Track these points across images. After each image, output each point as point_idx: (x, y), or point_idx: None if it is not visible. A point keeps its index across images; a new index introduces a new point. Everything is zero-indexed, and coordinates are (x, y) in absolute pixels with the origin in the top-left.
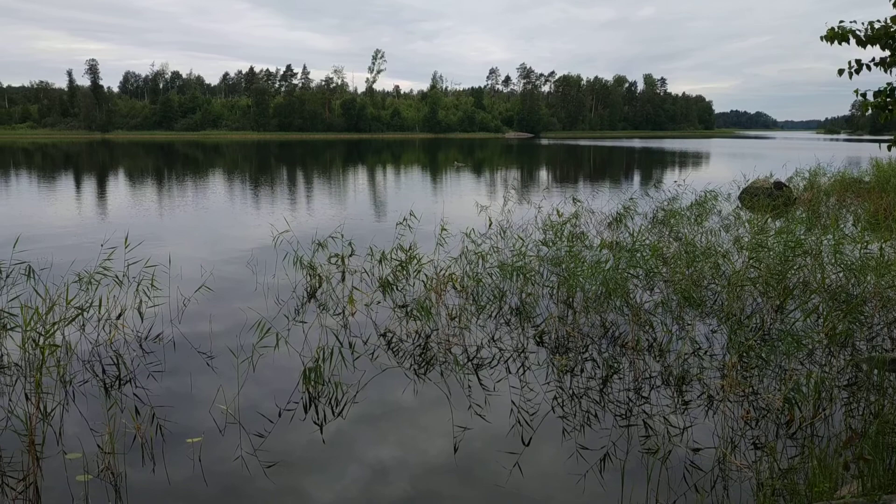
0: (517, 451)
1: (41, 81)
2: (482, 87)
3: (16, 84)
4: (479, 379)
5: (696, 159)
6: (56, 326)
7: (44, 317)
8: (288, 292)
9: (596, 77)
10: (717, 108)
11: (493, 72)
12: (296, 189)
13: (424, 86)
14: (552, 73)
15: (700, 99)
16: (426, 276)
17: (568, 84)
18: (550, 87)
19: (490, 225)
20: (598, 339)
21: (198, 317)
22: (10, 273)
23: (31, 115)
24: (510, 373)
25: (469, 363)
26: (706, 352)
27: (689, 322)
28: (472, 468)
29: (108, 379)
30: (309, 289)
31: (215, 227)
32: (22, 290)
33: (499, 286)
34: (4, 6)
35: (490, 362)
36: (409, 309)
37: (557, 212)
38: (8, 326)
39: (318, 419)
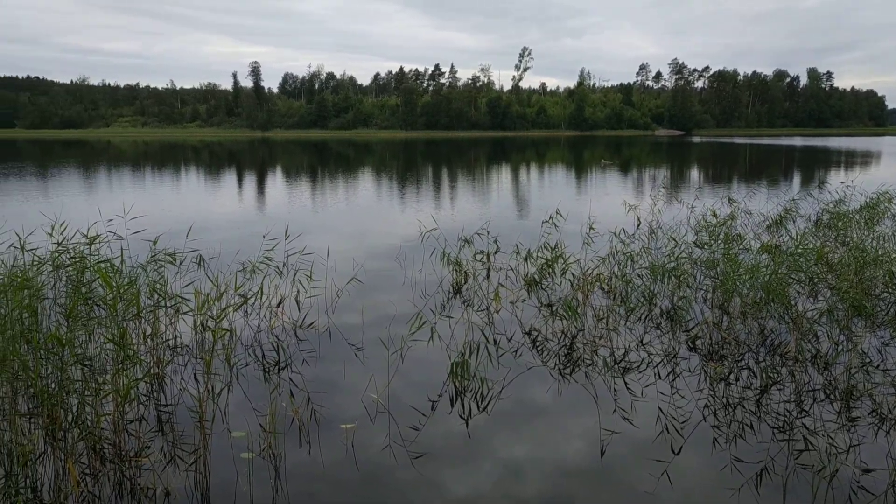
0: (665, 459)
1: (209, 83)
2: (631, 83)
3: (187, 86)
4: (625, 383)
5: (865, 159)
6: (225, 312)
7: (214, 302)
8: (434, 287)
9: (754, 72)
10: (891, 104)
11: (642, 68)
12: (441, 186)
13: (571, 83)
14: (706, 69)
15: (871, 94)
16: (573, 275)
17: (723, 79)
18: (704, 83)
19: (639, 225)
20: (755, 347)
21: (349, 308)
22: (183, 261)
23: (200, 114)
24: (659, 378)
25: (616, 366)
26: (878, 366)
27: (858, 333)
28: (617, 473)
29: (268, 363)
30: (455, 284)
31: (365, 223)
32: (194, 278)
33: (649, 288)
34: (179, 15)
35: (638, 366)
36: (554, 308)
37: (713, 212)
38: (181, 310)
39: (464, 413)
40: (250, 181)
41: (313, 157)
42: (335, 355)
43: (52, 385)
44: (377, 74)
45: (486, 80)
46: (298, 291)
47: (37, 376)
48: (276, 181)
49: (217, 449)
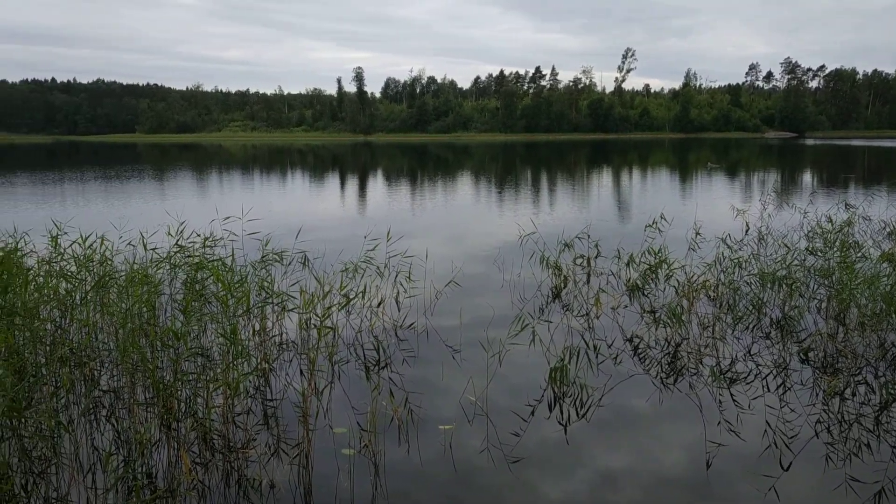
0: (774, 474)
1: (315, 89)
2: (740, 83)
3: (294, 91)
4: (731, 395)
5: None
6: (329, 311)
7: (319, 301)
8: (532, 291)
9: (874, 70)
10: None
11: (752, 67)
12: (540, 189)
13: (675, 84)
14: (821, 67)
15: None
16: (677, 281)
17: (840, 78)
18: (819, 83)
19: (747, 230)
20: (874, 361)
21: (447, 309)
22: (290, 261)
23: (306, 119)
24: (768, 391)
25: (722, 377)
26: None
27: None
28: (722, 487)
29: (369, 362)
30: (554, 289)
31: (464, 225)
32: (300, 277)
33: (758, 296)
34: (288, 23)
35: (745, 377)
36: (657, 315)
37: (829, 218)
38: (287, 308)
39: (563, 420)
40: (353, 184)
41: (413, 160)
42: (434, 356)
43: (168, 376)
44: (477, 78)
45: (587, 82)
46: (398, 292)
47: (154, 368)
48: (378, 184)
49: (319, 444)
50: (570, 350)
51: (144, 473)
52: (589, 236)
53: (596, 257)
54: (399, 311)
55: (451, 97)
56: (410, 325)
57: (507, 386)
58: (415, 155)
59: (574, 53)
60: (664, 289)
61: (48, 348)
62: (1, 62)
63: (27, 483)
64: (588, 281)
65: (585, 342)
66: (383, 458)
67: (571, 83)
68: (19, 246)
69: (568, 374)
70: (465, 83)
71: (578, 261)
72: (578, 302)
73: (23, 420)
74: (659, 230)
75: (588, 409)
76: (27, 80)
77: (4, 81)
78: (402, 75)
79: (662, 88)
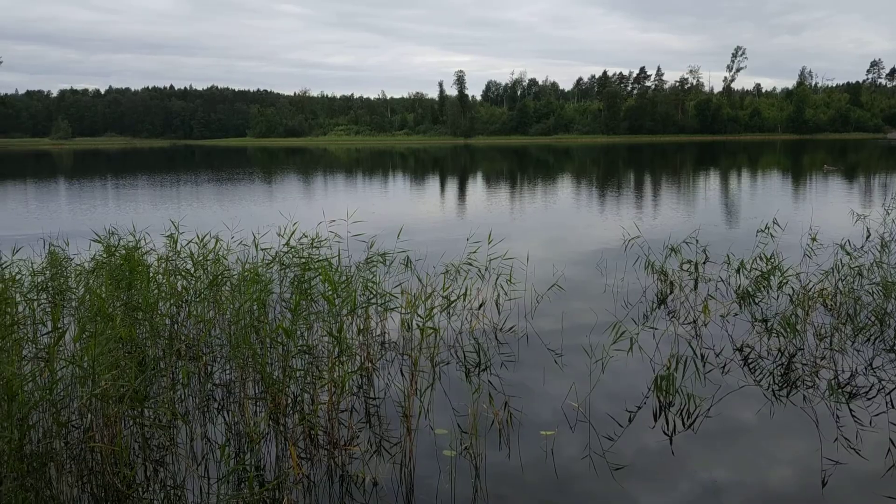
0: None
1: (416, 93)
2: (860, 81)
3: (397, 96)
4: (850, 410)
5: None
6: (431, 312)
7: (422, 302)
8: (637, 296)
9: None
10: None
11: (874, 64)
12: (644, 192)
13: (788, 83)
14: None
15: None
16: (791, 289)
17: None
18: None
19: (868, 236)
20: None
21: (549, 313)
22: (392, 262)
23: (408, 122)
24: (891, 407)
25: (840, 390)
26: None
27: None
28: None
29: (469, 364)
30: (659, 294)
31: (565, 229)
32: (402, 278)
33: (880, 306)
34: (391, 28)
35: (866, 392)
36: (770, 324)
37: None
38: (390, 308)
39: (668, 429)
40: (453, 186)
41: (513, 163)
42: (534, 360)
43: (277, 373)
44: (579, 79)
45: (694, 82)
46: (499, 295)
47: (264, 364)
48: (478, 186)
49: (420, 444)
50: (676, 358)
51: (253, 465)
52: (697, 241)
53: (704, 263)
54: (499, 313)
55: (552, 99)
56: (511, 329)
57: (609, 393)
58: (515, 157)
59: (680, 53)
60: (777, 297)
61: (166, 342)
62: (126, 71)
63: (146, 470)
64: (695, 287)
65: (693, 350)
66: (484, 460)
67: (677, 83)
68: (140, 244)
69: (674, 382)
70: (566, 85)
71: (685, 266)
72: (685, 309)
73: (143, 410)
74: (771, 235)
75: (695, 420)
76: (148, 87)
77: (128, 89)
78: (503, 78)
79: (774, 88)
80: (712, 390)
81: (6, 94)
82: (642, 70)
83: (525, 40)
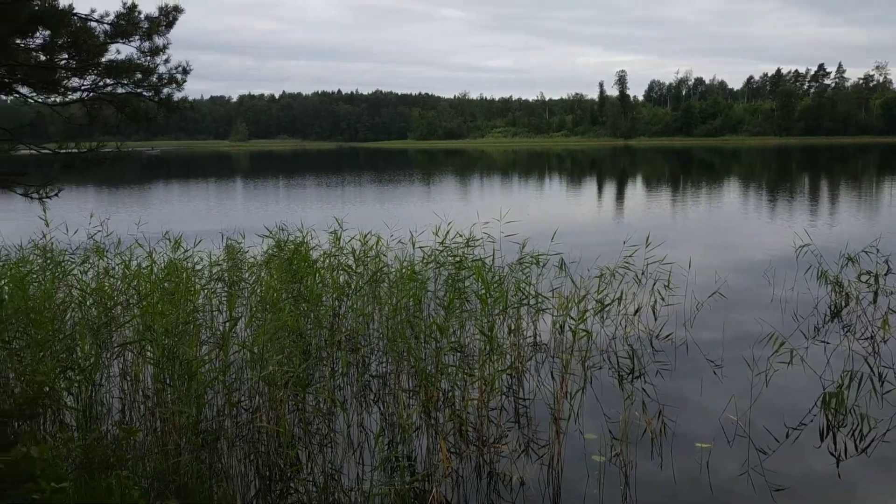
0: None
1: (576, 94)
2: None
3: (556, 97)
4: None
5: None
6: (584, 315)
7: (574, 305)
8: (808, 308)
9: None
10: None
11: None
12: (819, 197)
13: None
14: None
15: None
16: None
17: None
18: None
19: None
20: None
21: (709, 322)
22: (545, 263)
23: (566, 124)
24: None
25: None
26: None
27: None
28: None
29: (622, 370)
30: (832, 307)
31: (730, 235)
32: (555, 280)
33: None
34: (552, 29)
35: None
36: None
37: None
38: (542, 309)
39: (836, 451)
40: (610, 188)
41: (676, 165)
42: (691, 370)
43: (430, 367)
44: (750, 78)
45: (880, 79)
46: (656, 301)
47: (418, 358)
48: (637, 189)
49: (569, 447)
50: (849, 375)
51: (405, 456)
52: (878, 251)
53: (886, 274)
54: (656, 320)
55: (719, 99)
56: (667, 336)
57: (772, 408)
58: (677, 159)
59: (864, 48)
60: None
61: (328, 333)
62: (299, 77)
63: (309, 454)
64: (875, 300)
65: (869, 367)
66: (634, 468)
67: (861, 81)
68: (307, 240)
69: (845, 401)
70: (735, 84)
71: (864, 277)
72: (861, 323)
73: (305, 396)
74: None
75: (869, 444)
76: (318, 92)
77: (300, 94)
78: (668, 77)
79: None
80: (891, 412)
81: (193, 100)
82: (821, 67)
83: (692, 38)
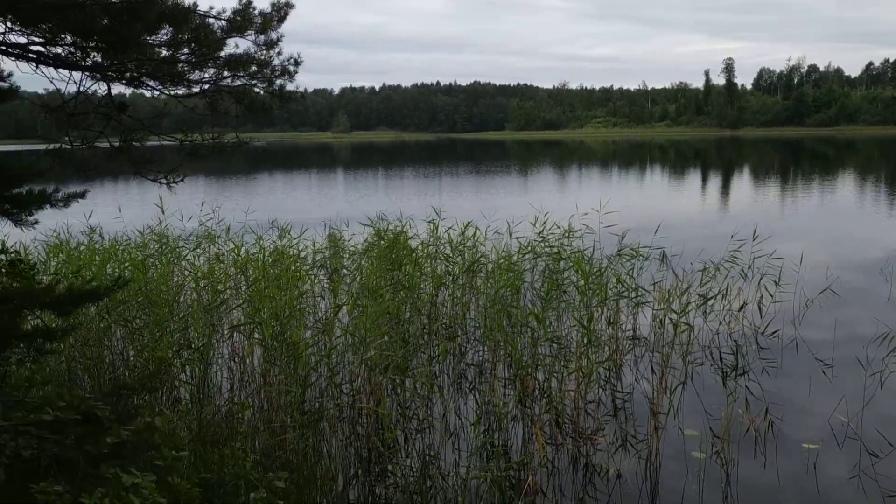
0: None
1: (680, 83)
2: None
3: (658, 87)
4: None
5: None
6: (686, 309)
7: (676, 298)
8: None
9: None
10: None
11: None
12: None
13: None
14: None
15: None
16: None
17: None
18: None
19: None
20: None
21: (819, 320)
22: (647, 256)
23: (668, 114)
24: None
25: None
26: None
27: None
28: None
29: (725, 367)
30: None
31: (844, 230)
32: (655, 273)
33: None
34: (655, 18)
35: None
36: None
37: None
38: (641, 302)
39: None
40: (715, 180)
41: (786, 156)
42: (799, 369)
43: (526, 357)
44: (869, 64)
45: None
46: (762, 297)
47: (515, 347)
48: (743, 181)
49: (668, 442)
50: None
51: (500, 444)
52: None
53: None
54: (762, 316)
55: (834, 86)
56: (774, 333)
57: (887, 411)
58: (787, 150)
59: None
60: None
61: (426, 320)
62: (399, 69)
63: (405, 437)
64: None
65: None
66: (736, 467)
67: None
68: (405, 230)
69: None
70: (853, 71)
71: None
72: None
73: (404, 380)
74: None
75: None
76: (417, 84)
77: (399, 86)
78: (778, 65)
79: None
80: None
81: (305, 91)
82: None
83: (805, 23)
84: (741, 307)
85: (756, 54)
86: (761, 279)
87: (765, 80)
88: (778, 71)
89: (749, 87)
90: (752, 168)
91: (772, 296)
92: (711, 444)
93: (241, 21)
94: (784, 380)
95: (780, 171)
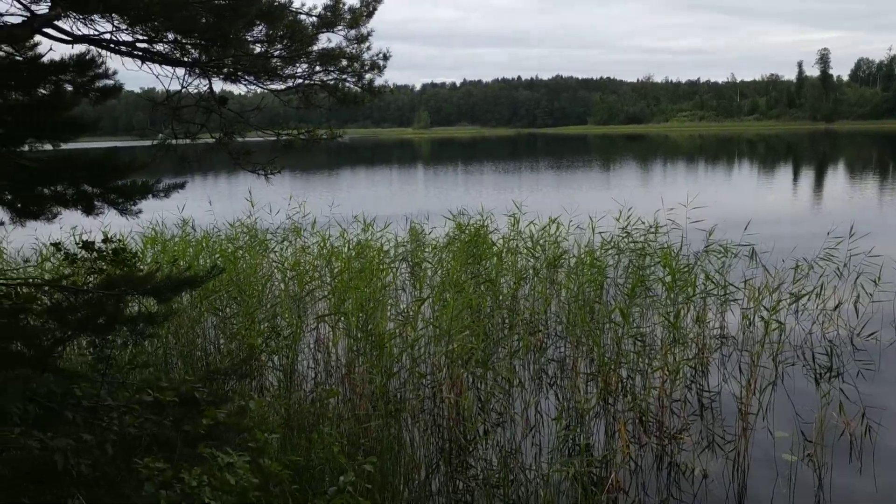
0: None
1: (771, 75)
2: None
3: (747, 79)
4: None
5: None
6: (777, 307)
7: (767, 296)
8: None
9: None
10: None
11: None
12: None
13: None
14: None
15: None
16: None
17: None
18: None
19: None
20: None
21: None
22: (737, 253)
23: (759, 107)
24: None
25: None
26: None
27: None
28: None
29: (819, 368)
30: None
31: None
32: (745, 270)
33: None
34: (742, 7)
35: None
36: None
37: None
38: (730, 299)
39: None
40: (809, 175)
41: (885, 151)
42: None
43: (609, 354)
44: None
45: None
46: (859, 296)
47: (598, 344)
48: (839, 176)
49: (756, 444)
50: None
51: (583, 441)
52: None
53: None
54: (858, 317)
55: None
56: (871, 335)
57: None
58: (887, 144)
59: None
60: None
61: (507, 314)
62: (480, 64)
63: (486, 430)
64: None
65: None
66: (829, 472)
67: None
68: (486, 224)
69: None
70: None
71: None
72: None
73: (486, 374)
74: None
75: None
76: (497, 79)
77: (480, 81)
78: (878, 55)
79: None
80: None
81: (394, 86)
82: None
83: None
84: (836, 307)
85: (851, 44)
86: (858, 278)
87: (863, 71)
88: (877, 61)
89: (846, 78)
90: (847, 163)
91: (870, 295)
92: (803, 447)
93: (331, 16)
94: (882, 384)
95: (878, 166)
